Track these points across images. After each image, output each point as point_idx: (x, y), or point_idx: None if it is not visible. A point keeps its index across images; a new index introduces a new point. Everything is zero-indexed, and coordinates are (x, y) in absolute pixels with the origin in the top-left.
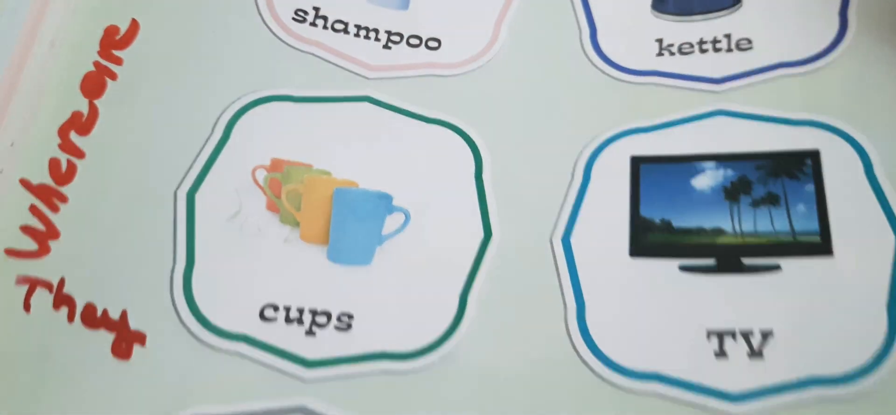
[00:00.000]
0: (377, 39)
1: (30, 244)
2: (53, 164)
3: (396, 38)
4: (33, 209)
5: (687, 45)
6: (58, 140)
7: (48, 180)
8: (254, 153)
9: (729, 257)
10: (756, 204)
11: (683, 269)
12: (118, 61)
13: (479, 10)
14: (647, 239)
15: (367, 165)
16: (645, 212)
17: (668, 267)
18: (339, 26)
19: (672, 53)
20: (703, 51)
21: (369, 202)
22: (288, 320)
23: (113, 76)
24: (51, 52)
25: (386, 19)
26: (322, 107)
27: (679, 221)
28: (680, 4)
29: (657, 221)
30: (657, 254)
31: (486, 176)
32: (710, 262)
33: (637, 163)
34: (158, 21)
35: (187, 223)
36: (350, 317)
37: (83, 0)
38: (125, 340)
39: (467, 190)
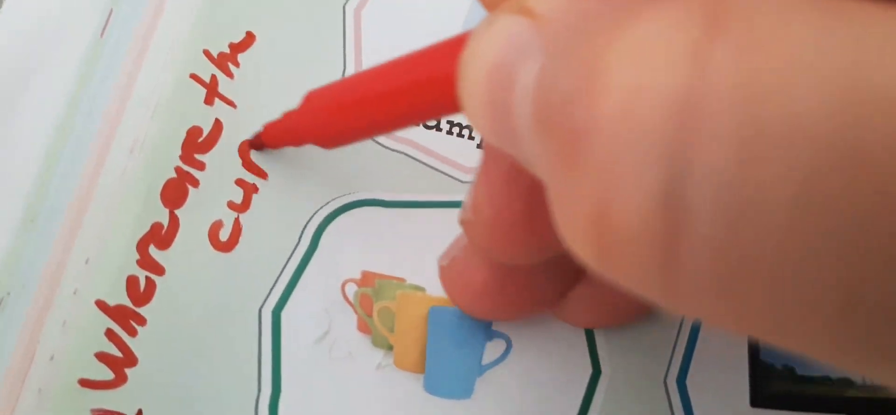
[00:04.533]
0: (471, 137)
1: (106, 373)
2: (131, 282)
3: None
4: (109, 333)
5: None
6: (136, 256)
7: (126, 301)
8: (343, 265)
9: (860, 413)
10: None
11: None
12: (200, 166)
13: None
14: (769, 388)
15: None
16: (765, 356)
17: None
18: (431, 122)
19: None
20: None
21: (468, 326)
22: None
23: (195, 183)
24: (130, 157)
25: None
26: (414, 212)
27: (802, 369)
28: None
29: (779, 367)
30: (781, 405)
31: None
32: None
33: None
34: (242, 120)
35: (273, 345)
36: None
37: (165, 99)
38: None
39: None
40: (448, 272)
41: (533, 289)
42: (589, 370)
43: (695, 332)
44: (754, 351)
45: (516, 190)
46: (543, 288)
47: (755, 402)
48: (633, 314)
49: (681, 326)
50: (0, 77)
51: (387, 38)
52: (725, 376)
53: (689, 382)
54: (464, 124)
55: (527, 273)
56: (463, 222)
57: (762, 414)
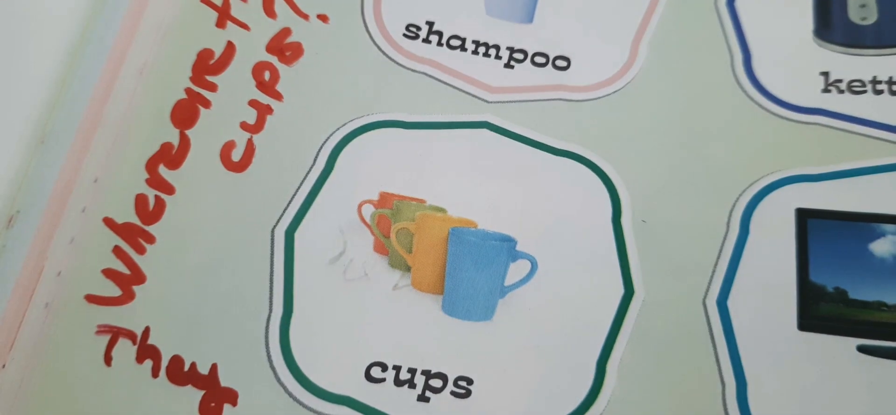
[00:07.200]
0: (498, 57)
1: (112, 290)
2: (140, 200)
3: (519, 56)
4: (117, 251)
5: (858, 83)
6: (145, 175)
7: (134, 219)
8: (360, 186)
9: None
10: None
11: (863, 350)
12: (212, 88)
13: (614, 26)
14: (819, 310)
15: (487, 202)
16: (815, 277)
17: (843, 346)
18: (456, 43)
19: (841, 91)
20: (877, 91)
21: (490, 247)
22: (398, 382)
23: (206, 104)
24: (139, 79)
25: (508, 34)
26: (435, 133)
27: (856, 292)
28: (849, 34)
29: (830, 289)
30: (831, 330)
31: (624, 221)
32: (894, 345)
33: (804, 217)
34: (256, 42)
35: (285, 266)
36: (469, 382)
37: (175, 23)
38: (215, 398)
39: (603, 236)
40: None
41: None
42: (620, 291)
43: (738, 250)
44: (804, 272)
45: None
46: None
47: (803, 325)
48: None
49: (723, 243)
50: (13, 1)
51: None
52: (771, 297)
53: (730, 303)
54: (490, 44)
55: None
56: None
57: (810, 338)
